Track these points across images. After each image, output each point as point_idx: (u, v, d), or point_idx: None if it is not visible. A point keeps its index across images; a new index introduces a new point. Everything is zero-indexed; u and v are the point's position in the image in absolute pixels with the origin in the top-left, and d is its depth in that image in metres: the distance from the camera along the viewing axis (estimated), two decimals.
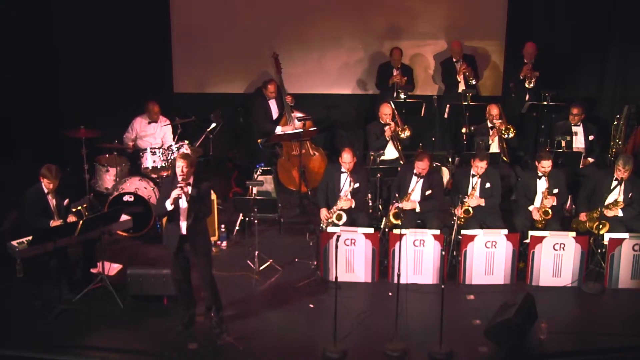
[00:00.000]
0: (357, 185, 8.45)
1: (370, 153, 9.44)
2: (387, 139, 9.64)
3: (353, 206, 8.40)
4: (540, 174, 8.42)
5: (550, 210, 8.29)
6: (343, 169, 8.50)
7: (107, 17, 10.50)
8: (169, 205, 6.76)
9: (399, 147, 9.74)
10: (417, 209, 8.44)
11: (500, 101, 10.45)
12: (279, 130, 10.14)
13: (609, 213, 8.20)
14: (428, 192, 8.49)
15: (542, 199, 8.36)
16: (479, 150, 9.05)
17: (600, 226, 8.10)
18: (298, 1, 11.07)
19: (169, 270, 7.33)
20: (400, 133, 9.68)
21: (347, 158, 8.42)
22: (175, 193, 6.72)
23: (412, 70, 10.95)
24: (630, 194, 8.33)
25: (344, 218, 8.33)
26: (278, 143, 10.23)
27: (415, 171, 8.45)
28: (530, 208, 8.46)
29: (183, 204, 6.83)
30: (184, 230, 6.89)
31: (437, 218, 8.50)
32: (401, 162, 9.64)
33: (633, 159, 8.38)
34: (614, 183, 8.28)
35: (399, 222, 8.05)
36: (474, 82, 10.52)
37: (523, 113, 10.28)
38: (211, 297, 7.10)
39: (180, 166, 6.74)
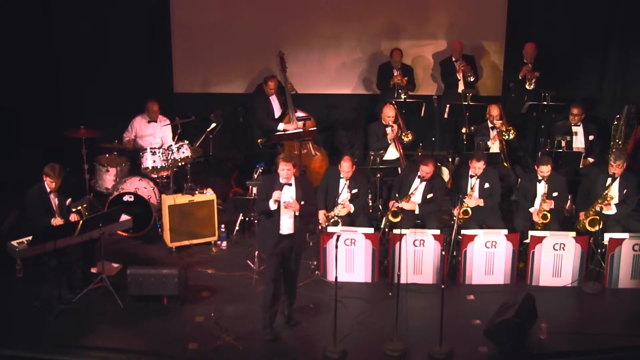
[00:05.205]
0: (355, 191, 8.44)
1: (370, 153, 9.44)
2: (389, 141, 9.66)
3: (352, 211, 8.40)
4: (539, 177, 8.43)
5: (548, 214, 8.29)
6: (342, 175, 8.49)
7: (107, 17, 10.50)
8: (272, 205, 6.88)
9: (400, 149, 9.75)
10: (416, 211, 8.45)
11: (500, 101, 10.43)
12: (281, 127, 10.13)
13: (604, 210, 8.21)
14: (429, 196, 8.49)
15: (541, 202, 8.36)
16: (476, 151, 9.04)
17: (594, 223, 8.11)
18: (298, 1, 11.07)
19: (170, 270, 7.45)
20: (403, 137, 9.70)
21: (346, 167, 8.39)
22: (276, 195, 6.86)
23: (413, 70, 10.93)
24: (625, 190, 8.34)
25: (340, 225, 8.33)
26: (279, 143, 10.23)
27: (419, 174, 8.45)
28: (531, 210, 8.46)
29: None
30: (283, 230, 7.00)
31: (437, 219, 8.50)
32: (401, 162, 9.64)
33: (626, 154, 8.37)
34: (609, 180, 8.28)
35: (397, 220, 8.03)
36: (472, 79, 10.49)
37: (523, 113, 10.27)
38: (292, 291, 7.28)
39: (285, 169, 6.90)
